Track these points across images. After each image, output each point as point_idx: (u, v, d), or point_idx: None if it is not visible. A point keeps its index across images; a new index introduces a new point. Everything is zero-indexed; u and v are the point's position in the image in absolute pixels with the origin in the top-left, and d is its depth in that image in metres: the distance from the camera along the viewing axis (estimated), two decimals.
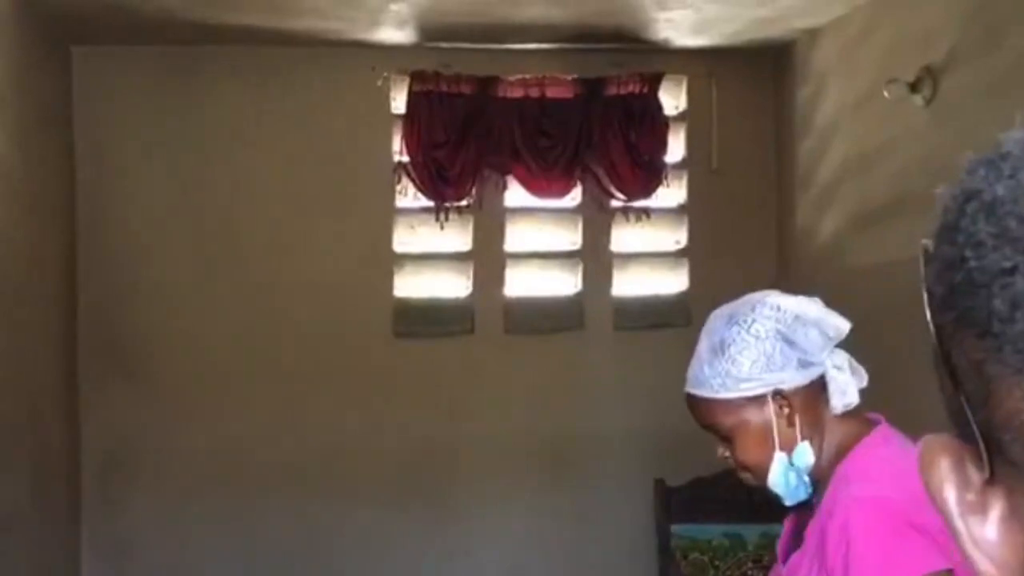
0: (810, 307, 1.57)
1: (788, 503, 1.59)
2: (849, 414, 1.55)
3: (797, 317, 1.53)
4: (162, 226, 4.08)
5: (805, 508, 1.60)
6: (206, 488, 4.02)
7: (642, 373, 4.32)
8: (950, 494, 0.41)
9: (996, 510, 0.40)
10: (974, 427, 0.39)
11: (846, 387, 1.54)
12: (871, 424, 1.60)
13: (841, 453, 1.53)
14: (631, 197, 4.26)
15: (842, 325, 1.55)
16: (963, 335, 0.39)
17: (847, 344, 1.59)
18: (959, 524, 0.41)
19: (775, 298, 1.59)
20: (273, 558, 3.97)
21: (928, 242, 0.43)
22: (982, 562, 0.40)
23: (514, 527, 4.18)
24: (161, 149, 4.09)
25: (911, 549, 1.38)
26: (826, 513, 1.48)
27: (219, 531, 4.01)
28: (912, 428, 3.16)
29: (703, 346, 1.61)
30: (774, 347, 1.51)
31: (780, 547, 1.72)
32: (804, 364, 1.52)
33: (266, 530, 4.00)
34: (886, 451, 1.53)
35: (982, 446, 0.39)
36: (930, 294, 0.41)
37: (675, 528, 3.87)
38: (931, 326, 0.41)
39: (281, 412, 4.07)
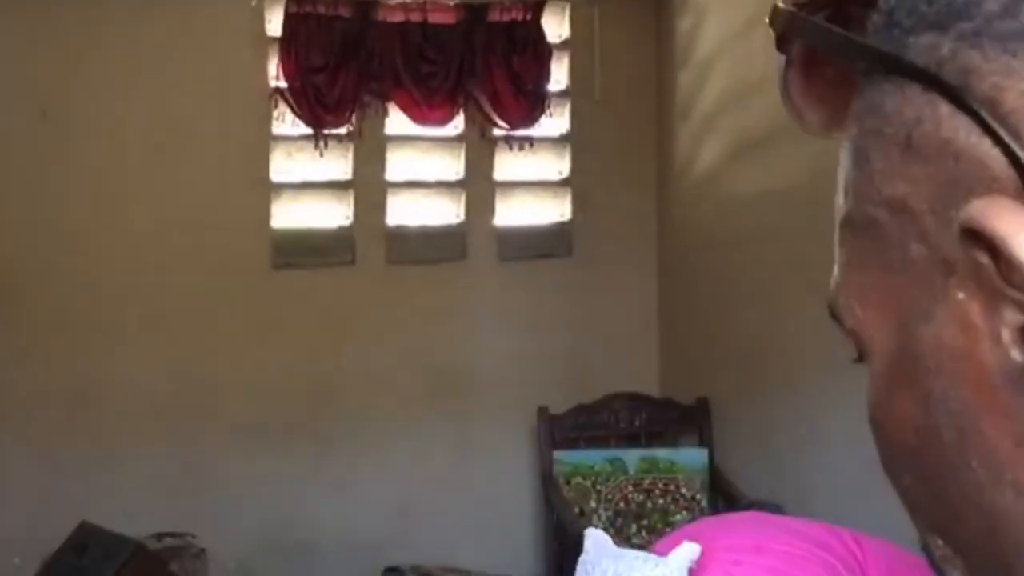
0: None
1: None
2: None
3: None
4: (24, 156, 3.85)
5: None
6: (77, 427, 3.87)
7: (525, 302, 4.35)
8: None
9: None
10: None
11: None
12: None
13: None
14: (514, 126, 4.22)
15: None
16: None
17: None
18: None
19: None
20: (150, 498, 3.87)
21: None
22: None
23: (399, 459, 4.17)
24: (21, 76, 3.84)
25: None
26: None
27: (90, 472, 3.87)
28: (789, 346, 3.26)
29: None
30: None
31: None
32: None
33: (142, 468, 3.89)
34: None
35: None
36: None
37: (558, 454, 3.92)
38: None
39: (155, 347, 3.94)
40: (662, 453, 3.97)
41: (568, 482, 3.91)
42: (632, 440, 4.07)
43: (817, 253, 2.91)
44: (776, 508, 3.34)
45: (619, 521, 3.91)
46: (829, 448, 3.22)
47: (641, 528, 3.90)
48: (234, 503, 3.99)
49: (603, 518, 3.90)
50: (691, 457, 3.94)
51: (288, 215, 4.11)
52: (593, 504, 3.91)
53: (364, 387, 4.15)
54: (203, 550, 3.85)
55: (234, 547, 3.92)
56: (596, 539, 1.74)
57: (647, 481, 3.94)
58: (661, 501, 3.92)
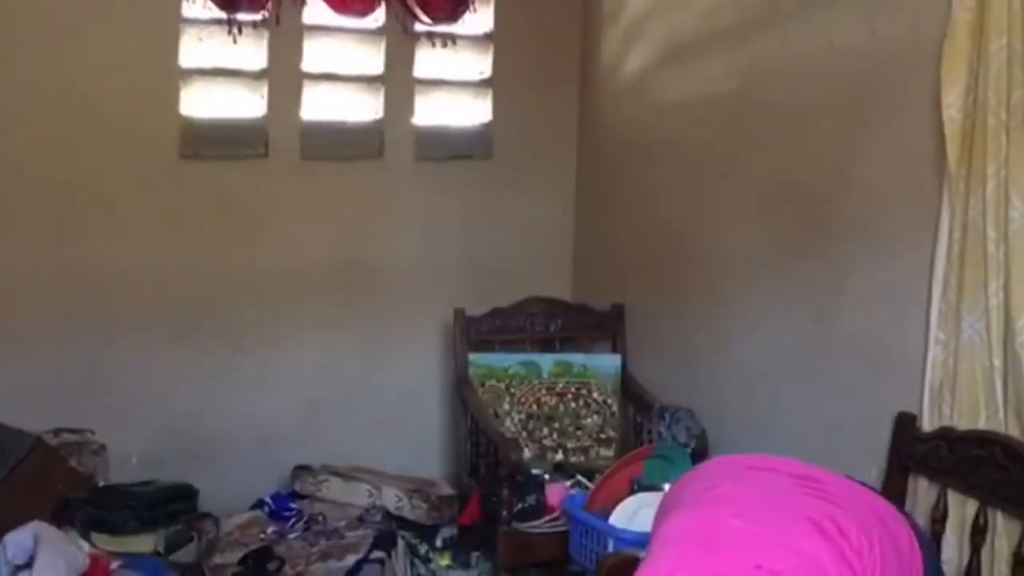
0: None
1: None
2: None
3: None
4: None
5: None
6: None
7: (443, 204, 4.28)
8: None
9: None
10: None
11: None
12: None
13: None
14: (437, 21, 4.09)
15: None
16: None
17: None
18: None
19: None
20: (50, 394, 3.71)
21: None
22: None
23: (310, 358, 4.10)
24: None
25: None
26: None
27: None
28: (708, 255, 3.30)
29: None
30: None
31: None
32: None
33: (42, 364, 3.73)
34: None
35: None
36: None
37: (473, 356, 3.91)
38: None
39: (56, 237, 3.75)
40: (576, 358, 3.99)
41: (482, 384, 3.91)
42: (547, 345, 4.08)
43: (743, 162, 2.98)
44: (688, 413, 3.42)
45: (531, 424, 3.94)
46: (743, 355, 3.29)
47: (552, 431, 3.94)
48: (138, 400, 3.87)
49: (515, 421, 3.93)
50: (604, 362, 3.97)
51: (198, 103, 3.92)
52: (506, 407, 3.93)
53: (276, 284, 4.04)
54: (103, 446, 3.74)
55: (137, 444, 3.82)
56: None
57: (560, 385, 3.97)
58: (573, 405, 3.96)
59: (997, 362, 2.24)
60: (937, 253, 2.38)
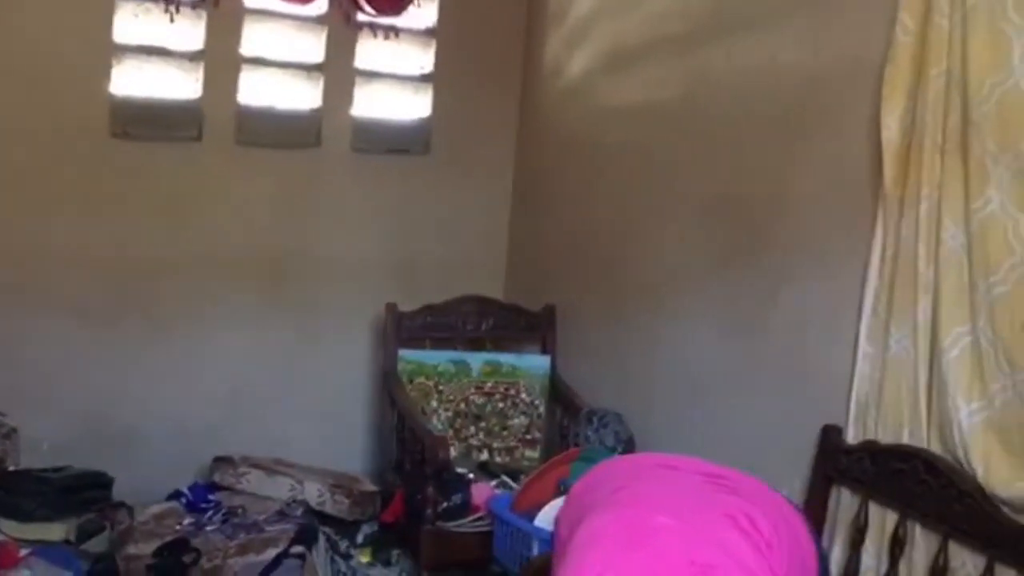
0: None
1: None
2: None
3: None
4: None
5: None
6: None
7: (378, 197, 4.24)
8: None
9: None
10: None
11: None
12: None
13: None
14: (380, 12, 4.06)
15: None
16: None
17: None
18: None
19: None
20: None
21: None
22: None
23: (235, 347, 4.02)
24: None
25: None
26: None
27: None
28: (642, 260, 3.31)
29: None
30: None
31: None
32: None
33: None
34: None
35: None
36: None
37: (402, 352, 3.88)
38: None
39: None
40: (505, 358, 3.99)
41: (411, 381, 3.88)
42: (477, 344, 4.07)
43: (682, 170, 2.99)
44: (617, 417, 3.44)
45: (458, 422, 3.92)
46: (673, 361, 3.32)
47: (479, 430, 3.93)
48: (53, 383, 3.75)
49: (443, 418, 3.91)
50: (534, 363, 3.98)
51: (131, 82, 3.82)
52: (434, 404, 3.91)
53: (202, 270, 3.96)
54: (14, 429, 3.62)
55: (50, 429, 3.70)
56: None
57: (488, 384, 3.96)
58: (501, 405, 3.95)
59: (923, 378, 2.29)
60: (870, 269, 2.43)
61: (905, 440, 2.35)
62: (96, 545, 3.35)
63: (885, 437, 2.40)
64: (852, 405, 2.49)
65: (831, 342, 2.60)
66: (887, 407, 2.39)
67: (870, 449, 2.43)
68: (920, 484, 2.28)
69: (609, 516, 1.88)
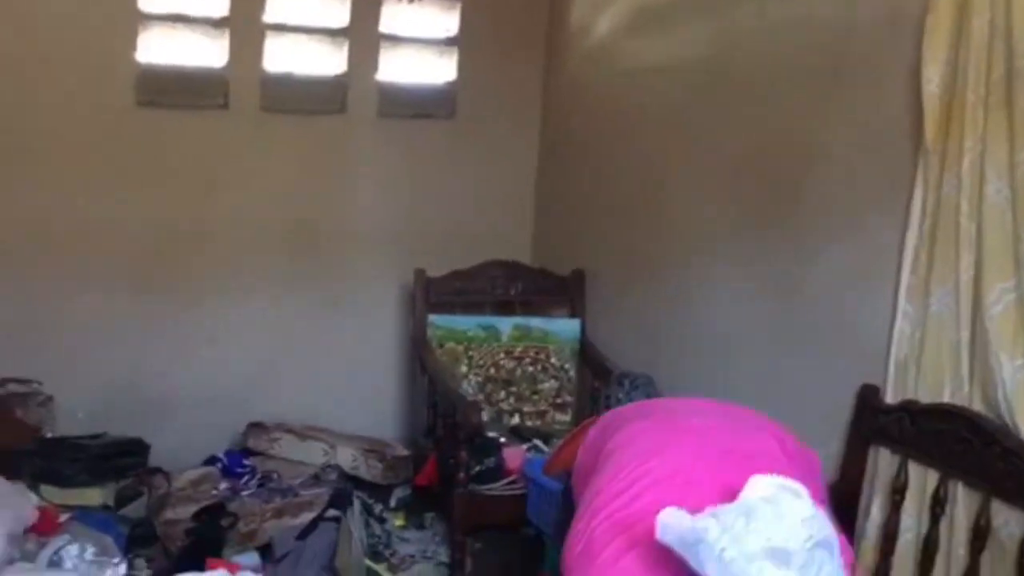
0: None
1: None
2: None
3: None
4: None
5: None
6: None
7: (404, 163, 4.22)
8: None
9: None
10: None
11: None
12: None
13: None
14: None
15: None
16: None
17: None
18: None
19: None
20: None
21: None
22: None
23: (265, 314, 4.03)
24: None
25: None
26: None
27: None
28: (670, 223, 3.26)
29: None
30: None
31: None
32: None
33: None
34: None
35: None
36: None
37: (432, 318, 3.88)
38: None
39: (5, 183, 3.63)
40: (535, 322, 3.98)
41: (441, 346, 3.88)
42: (506, 308, 4.06)
43: (713, 131, 2.93)
44: (648, 380, 3.42)
45: (488, 387, 3.93)
46: (705, 324, 3.30)
47: (510, 395, 3.93)
48: (88, 352, 3.78)
49: (473, 383, 3.91)
50: (564, 327, 3.97)
51: (157, 50, 3.81)
52: (464, 369, 3.91)
53: (232, 238, 3.96)
54: (50, 397, 3.66)
55: (85, 397, 3.74)
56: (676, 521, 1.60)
57: (519, 349, 3.95)
58: (531, 369, 3.95)
59: (965, 335, 2.26)
60: (909, 226, 2.39)
61: (946, 399, 2.33)
62: (134, 510, 3.39)
63: (925, 396, 2.38)
64: (891, 365, 2.46)
65: (868, 301, 2.56)
66: (927, 366, 2.36)
67: (910, 409, 2.41)
68: (961, 443, 2.26)
69: (646, 423, 2.05)
